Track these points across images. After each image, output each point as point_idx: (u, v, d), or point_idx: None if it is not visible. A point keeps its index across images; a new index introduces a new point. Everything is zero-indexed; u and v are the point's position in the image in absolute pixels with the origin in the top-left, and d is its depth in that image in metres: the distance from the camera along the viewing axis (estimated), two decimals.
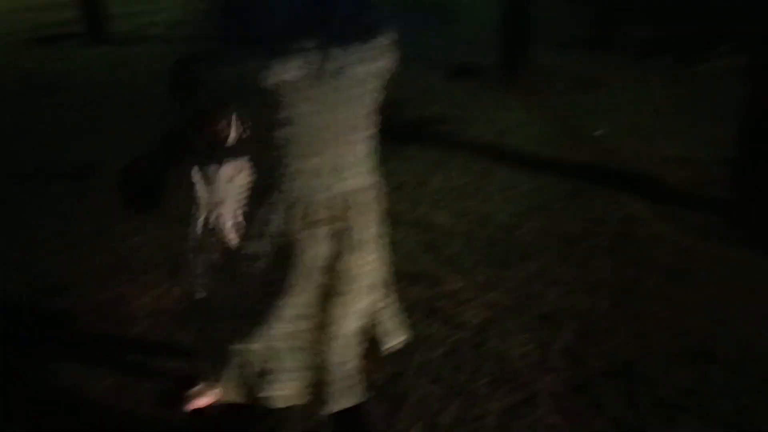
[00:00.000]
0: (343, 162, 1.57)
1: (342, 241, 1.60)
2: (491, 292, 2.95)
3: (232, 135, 1.99)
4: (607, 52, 7.34)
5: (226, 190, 2.02)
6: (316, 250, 1.58)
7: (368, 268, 1.66)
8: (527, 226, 3.61)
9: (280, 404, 1.71)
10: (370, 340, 1.79)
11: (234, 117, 1.96)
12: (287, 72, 1.43)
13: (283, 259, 1.60)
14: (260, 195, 1.64)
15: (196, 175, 2.01)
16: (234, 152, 1.99)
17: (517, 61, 6.74)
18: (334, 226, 1.58)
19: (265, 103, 1.47)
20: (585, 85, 6.35)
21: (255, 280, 1.65)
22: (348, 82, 1.50)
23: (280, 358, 1.67)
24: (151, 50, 8.40)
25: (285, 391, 1.69)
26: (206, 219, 2.05)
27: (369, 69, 1.52)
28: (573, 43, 7.52)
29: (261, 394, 1.69)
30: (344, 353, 1.68)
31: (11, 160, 4.58)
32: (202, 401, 2.16)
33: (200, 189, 2.02)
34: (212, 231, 2.05)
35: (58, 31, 9.53)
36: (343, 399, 1.70)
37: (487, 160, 4.57)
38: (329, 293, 1.63)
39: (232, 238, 2.03)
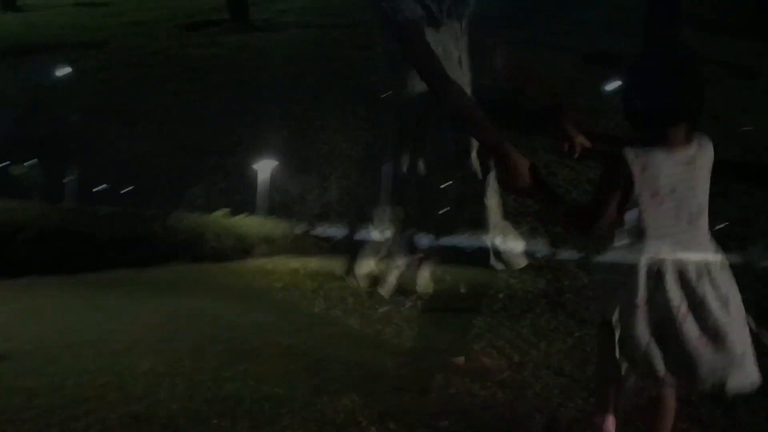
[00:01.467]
0: None
1: None
2: None
3: None
4: (764, 38, 6.74)
5: None
6: None
7: None
8: None
9: None
10: None
11: None
12: None
13: None
14: None
15: None
16: None
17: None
18: None
19: None
20: (738, 74, 5.89)
21: None
22: None
23: None
24: (287, 36, 8.80)
25: None
26: None
27: None
28: (726, 27, 6.98)
29: None
30: None
31: (166, 136, 5.00)
32: None
33: None
34: None
35: (206, 18, 10.22)
36: None
37: None
38: None
39: None
